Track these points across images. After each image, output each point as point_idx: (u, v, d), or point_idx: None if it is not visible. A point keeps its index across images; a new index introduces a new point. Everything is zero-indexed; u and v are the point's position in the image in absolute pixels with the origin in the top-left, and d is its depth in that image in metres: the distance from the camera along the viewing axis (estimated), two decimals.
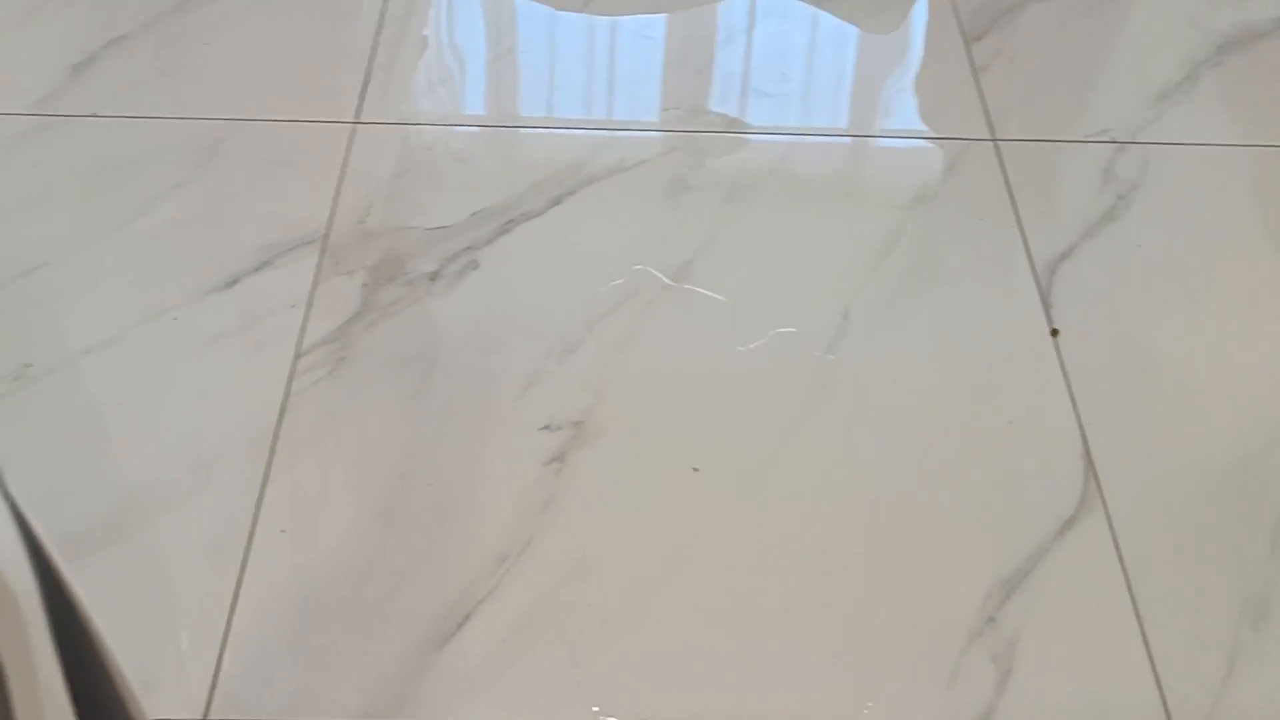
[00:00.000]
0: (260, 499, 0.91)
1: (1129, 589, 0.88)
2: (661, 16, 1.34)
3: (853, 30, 1.33)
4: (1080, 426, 0.98)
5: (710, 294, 1.06)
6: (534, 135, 1.20)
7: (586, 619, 0.85)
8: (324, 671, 0.82)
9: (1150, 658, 0.84)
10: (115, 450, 0.94)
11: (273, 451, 0.94)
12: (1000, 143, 1.20)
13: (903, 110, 1.24)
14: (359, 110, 1.21)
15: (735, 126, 1.21)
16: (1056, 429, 0.97)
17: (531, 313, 1.04)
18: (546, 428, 0.96)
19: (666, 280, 1.07)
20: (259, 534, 0.89)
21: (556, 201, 1.13)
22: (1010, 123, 1.22)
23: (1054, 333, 1.04)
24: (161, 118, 1.20)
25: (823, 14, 1.35)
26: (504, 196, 1.13)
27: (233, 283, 1.06)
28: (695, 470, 0.94)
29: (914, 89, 1.27)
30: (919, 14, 1.35)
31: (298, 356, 1.00)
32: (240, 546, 0.88)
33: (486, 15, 1.34)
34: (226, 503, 0.91)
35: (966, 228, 1.12)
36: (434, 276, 1.07)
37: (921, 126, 1.22)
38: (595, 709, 0.81)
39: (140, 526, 0.89)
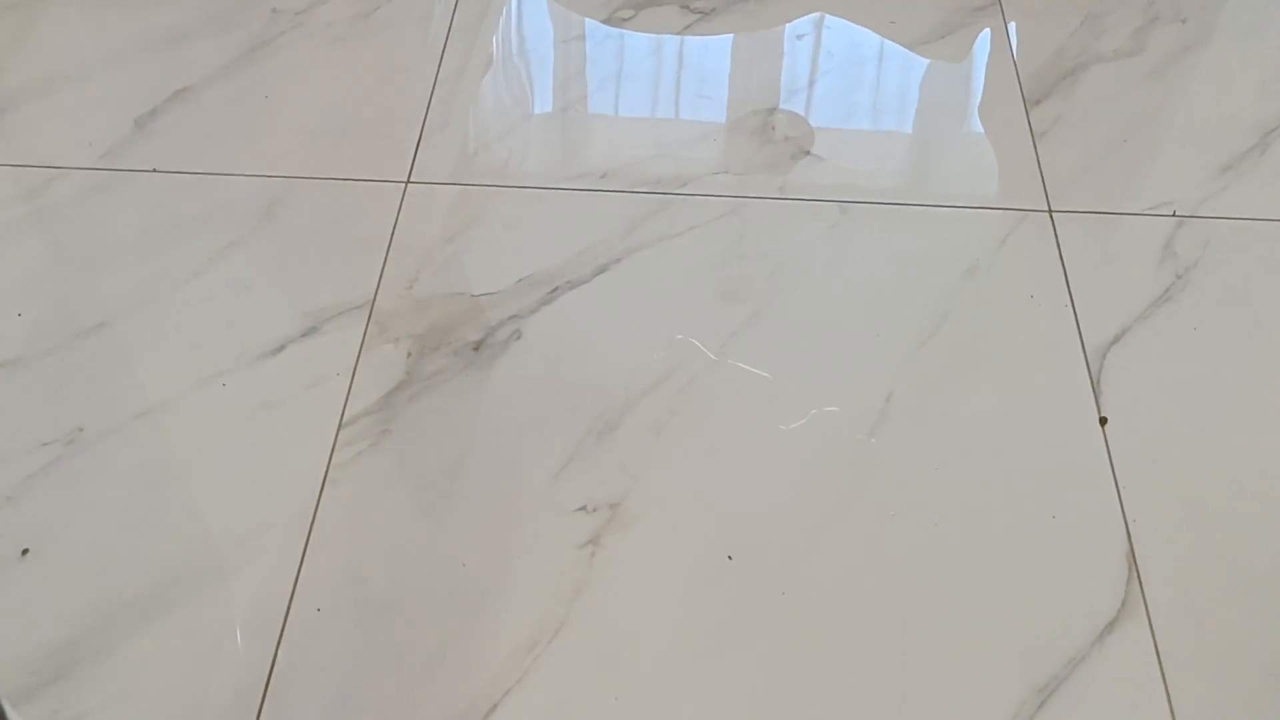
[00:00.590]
0: (298, 576, 0.92)
1: (1169, 702, 0.86)
2: (724, 76, 1.33)
3: (914, 93, 1.32)
4: (1125, 523, 0.96)
5: (754, 370, 1.06)
6: (584, 198, 1.20)
7: (614, 712, 0.86)
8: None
9: None
10: (160, 519, 0.96)
11: (312, 526, 0.95)
12: (1056, 214, 1.18)
13: (959, 177, 1.22)
14: (411, 170, 1.22)
15: (788, 191, 1.20)
16: (1100, 525, 0.96)
17: (572, 388, 1.04)
18: (582, 509, 0.97)
19: (710, 355, 1.07)
20: (294, 612, 0.91)
21: (602, 269, 1.13)
22: (1067, 193, 1.20)
23: (1103, 421, 1.02)
24: (220, 174, 1.22)
25: (884, 74, 1.33)
26: (551, 263, 1.14)
27: (280, 349, 1.07)
28: (729, 559, 0.94)
29: (971, 155, 1.25)
30: (979, 74, 1.33)
31: (340, 428, 1.01)
32: (276, 625, 0.90)
33: (540, 73, 1.34)
34: (265, 579, 0.92)
35: (1017, 306, 1.10)
36: (478, 346, 1.08)
37: (977, 195, 1.21)
38: None
39: (182, 599, 0.91)
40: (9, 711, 0.50)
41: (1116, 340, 1.08)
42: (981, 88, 1.32)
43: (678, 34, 1.37)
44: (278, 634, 0.89)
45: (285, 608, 0.91)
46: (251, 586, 0.92)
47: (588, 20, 1.39)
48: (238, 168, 1.22)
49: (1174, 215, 1.18)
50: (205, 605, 0.91)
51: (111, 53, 1.34)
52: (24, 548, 0.94)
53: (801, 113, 1.29)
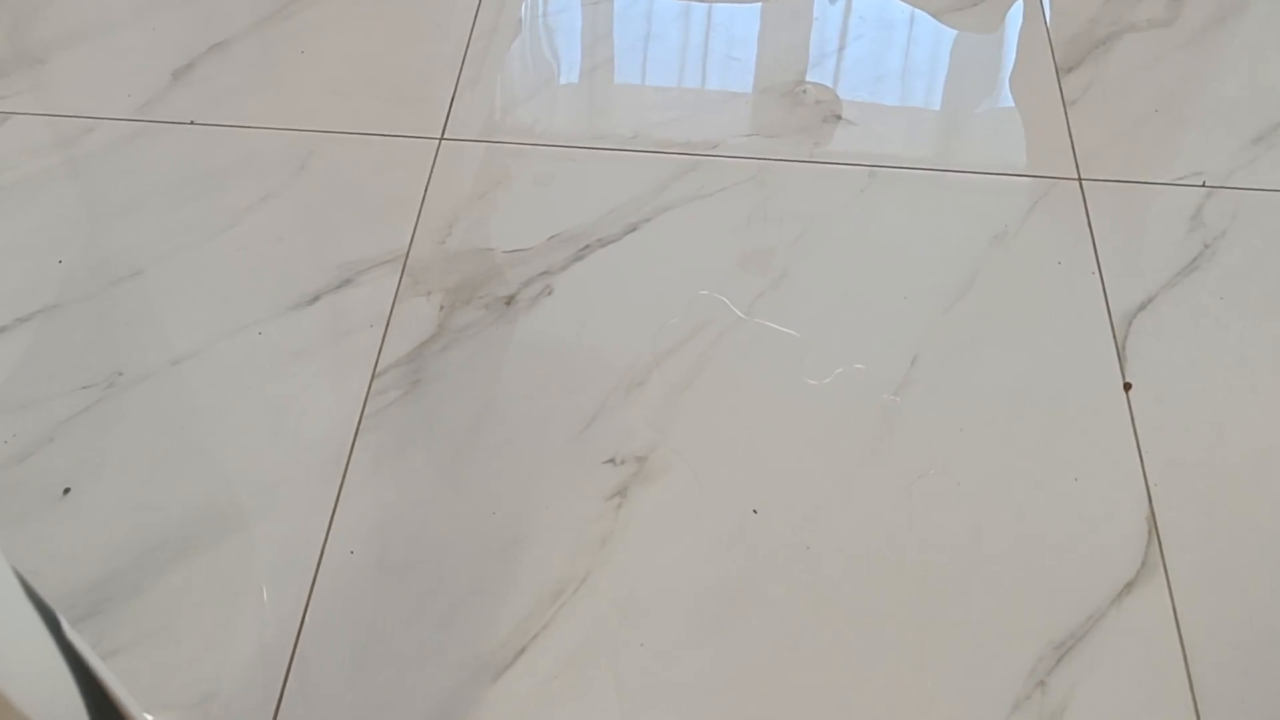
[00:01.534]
0: (331, 520, 0.94)
1: (1185, 663, 0.87)
2: (753, 39, 1.33)
3: (945, 60, 1.32)
4: (1147, 487, 0.97)
5: (781, 328, 1.07)
6: (614, 158, 1.21)
7: (638, 658, 0.87)
8: (381, 699, 0.85)
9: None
10: (196, 463, 0.98)
11: (345, 473, 0.97)
12: (1085, 182, 1.18)
13: (988, 144, 1.23)
14: (445, 126, 1.23)
15: (818, 155, 1.21)
16: (1122, 488, 0.97)
17: (601, 343, 1.06)
18: (610, 462, 0.98)
19: (738, 313, 1.08)
20: (328, 555, 0.92)
21: (633, 228, 1.14)
22: (1097, 161, 1.20)
23: (1127, 387, 1.03)
24: (256, 127, 1.23)
25: (915, 40, 1.33)
26: (582, 221, 1.15)
27: (315, 299, 1.09)
28: (754, 512, 0.95)
29: (1002, 122, 1.25)
30: (1011, 42, 1.33)
31: (374, 377, 1.03)
32: (310, 568, 0.92)
33: (573, 32, 1.35)
34: (299, 524, 0.94)
35: (1045, 271, 1.11)
36: (509, 301, 1.09)
37: (1006, 162, 1.21)
38: None
39: (217, 541, 0.93)
40: (67, 628, 0.52)
41: (1143, 308, 1.08)
42: (1014, 55, 1.32)
43: None
44: (311, 576, 0.91)
45: (319, 552, 0.93)
46: (286, 530, 0.94)
47: None
48: (273, 121, 1.23)
49: (1204, 185, 1.18)
50: (239, 547, 0.93)
51: (147, 4, 1.36)
52: (65, 487, 0.96)
53: (831, 78, 1.30)
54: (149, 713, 0.84)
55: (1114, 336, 1.06)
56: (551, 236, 1.14)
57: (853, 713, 0.85)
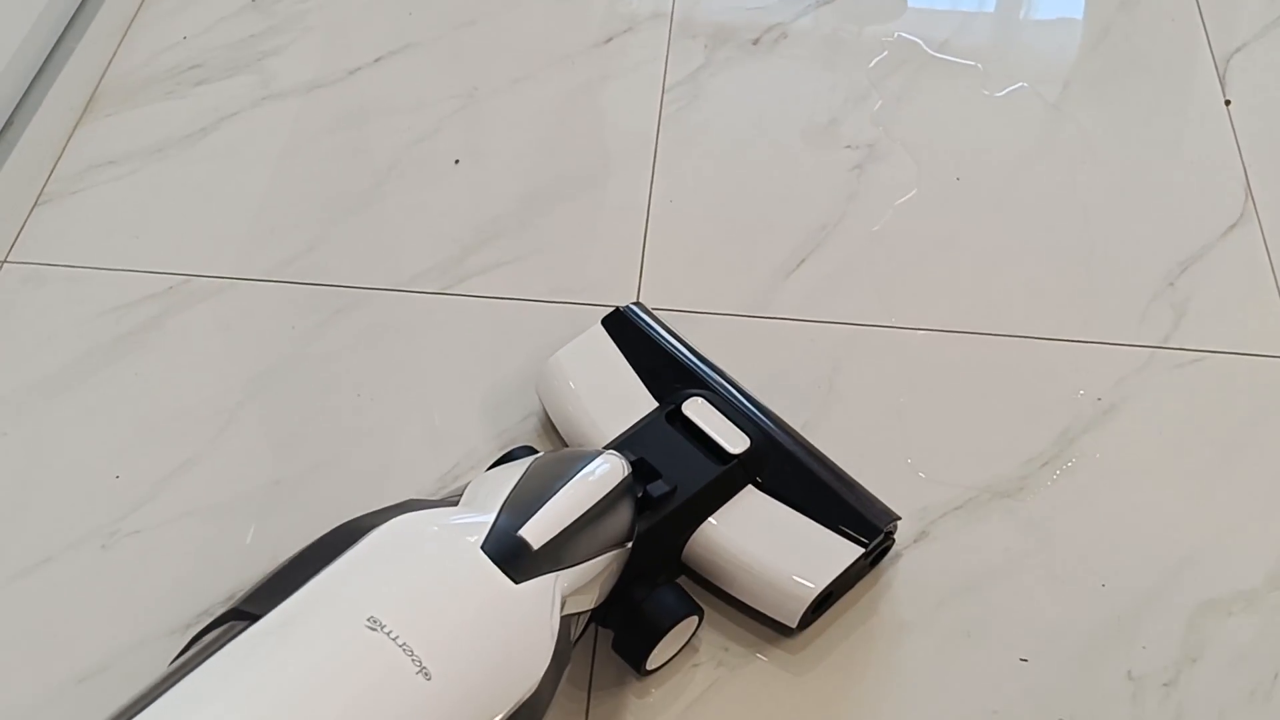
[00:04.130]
0: (651, 182, 1.30)
1: (1272, 268, 1.23)
2: None
3: None
4: (1244, 168, 1.32)
5: (964, 61, 1.42)
6: None
7: (884, 267, 1.24)
8: (715, 285, 1.22)
9: None
10: (550, 149, 1.33)
11: (655, 153, 1.33)
12: None
13: None
14: None
15: None
16: (1224, 168, 1.32)
17: (827, 73, 1.41)
18: (849, 147, 1.34)
19: (930, 51, 1.43)
20: (654, 202, 1.29)
21: None
22: None
23: (1227, 103, 1.38)
24: None
25: None
26: None
27: (609, 40, 1.44)
28: (958, 179, 1.31)
29: None
30: None
31: (664, 92, 1.39)
32: (643, 208, 1.28)
33: None
34: (631, 182, 1.30)
35: (1159, 27, 1.46)
36: (755, 42, 1.44)
37: None
38: (894, 320, 1.19)
39: (576, 193, 1.29)
40: None
41: (1239, 50, 1.43)
42: None
43: None
44: (645, 215, 1.27)
45: (648, 199, 1.29)
46: (623, 185, 1.30)
47: None
48: None
49: None
50: (593, 195, 1.29)
51: None
52: (456, 158, 1.32)
53: None
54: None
55: (1216, 69, 1.41)
56: None
57: (1034, 295, 1.21)
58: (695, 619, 0.92)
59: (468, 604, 0.69)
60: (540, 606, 0.71)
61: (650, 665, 0.91)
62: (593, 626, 0.92)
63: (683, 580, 0.97)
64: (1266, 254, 1.25)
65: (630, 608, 0.89)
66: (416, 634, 0.65)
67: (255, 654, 0.64)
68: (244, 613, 0.67)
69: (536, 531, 0.75)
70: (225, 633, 0.66)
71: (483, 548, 0.72)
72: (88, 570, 1.00)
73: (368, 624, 0.64)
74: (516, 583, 0.71)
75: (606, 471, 0.86)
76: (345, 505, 1.02)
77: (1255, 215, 1.28)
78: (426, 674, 0.63)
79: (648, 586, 0.90)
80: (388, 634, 0.64)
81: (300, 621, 0.65)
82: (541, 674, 0.68)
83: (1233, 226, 1.27)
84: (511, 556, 0.72)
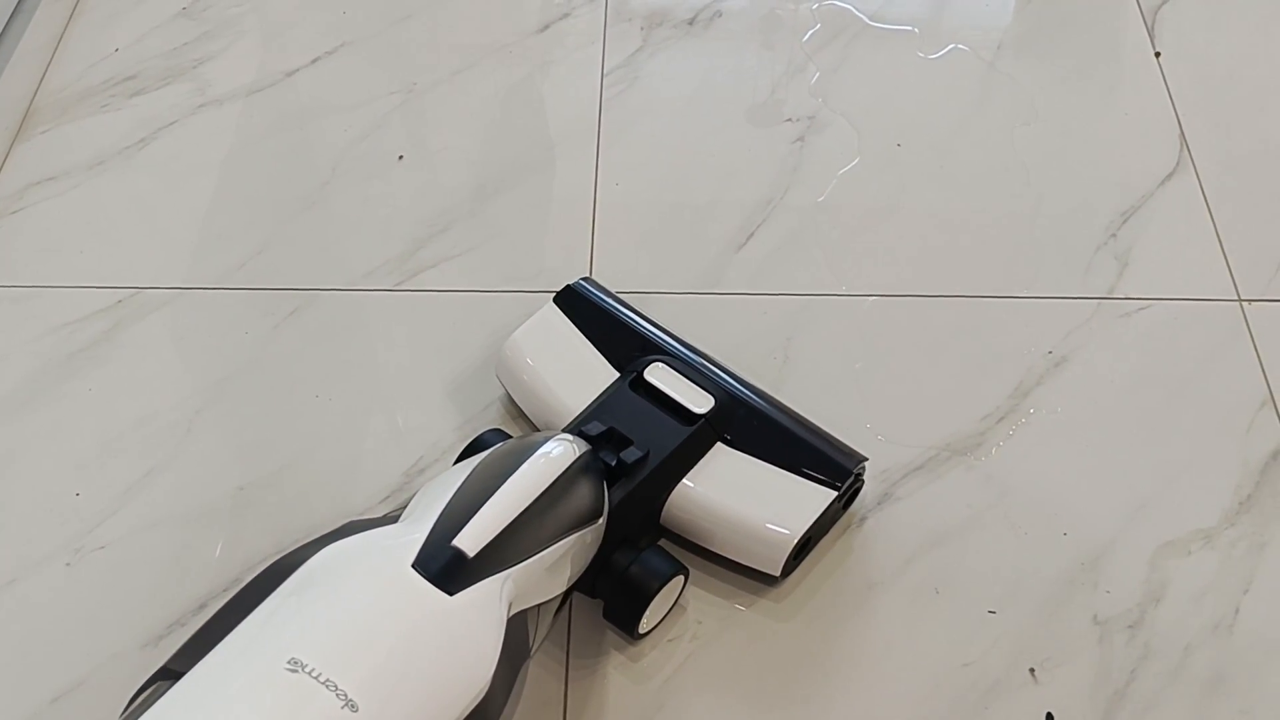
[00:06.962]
0: (596, 166, 1.31)
1: (1210, 213, 1.25)
2: None
3: None
4: (1176, 116, 1.34)
5: (900, 27, 1.44)
6: None
7: (830, 236, 1.25)
8: (666, 265, 1.22)
9: (1224, 254, 1.22)
10: (503, 127, 1.34)
11: (598, 137, 1.33)
12: None
13: None
14: None
15: None
16: (1158, 119, 1.34)
17: (764, 48, 1.42)
18: (789, 120, 1.35)
19: (865, 19, 1.44)
20: (600, 186, 1.29)
21: None
22: None
23: (1157, 54, 1.40)
24: None
25: None
26: None
27: (546, 28, 1.44)
28: (898, 145, 1.33)
29: None
30: None
31: (604, 75, 1.39)
32: (590, 192, 1.28)
33: None
34: (576, 167, 1.30)
35: None
36: (691, 22, 1.45)
37: None
38: (844, 289, 1.21)
39: (520, 181, 1.29)
40: None
41: (1165, 2, 1.45)
42: None
43: None
44: (593, 196, 1.28)
45: (594, 183, 1.29)
46: (569, 171, 1.30)
47: None
48: None
49: None
50: (539, 183, 1.29)
51: None
52: (399, 154, 1.32)
53: None
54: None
55: (1145, 23, 1.43)
56: None
57: (981, 254, 1.23)
58: (682, 578, 0.93)
59: (396, 627, 0.68)
60: (484, 612, 0.71)
61: (643, 628, 0.92)
62: (570, 601, 0.93)
63: (664, 543, 0.98)
64: (1204, 199, 1.27)
65: (617, 575, 0.90)
66: (340, 667, 0.64)
67: (174, 715, 0.63)
68: (170, 671, 0.66)
69: (472, 539, 0.74)
70: (152, 694, 0.66)
71: (414, 565, 0.71)
72: (54, 589, 0.99)
73: (288, 667, 0.64)
74: (451, 594, 0.70)
75: (556, 457, 0.86)
76: (313, 507, 1.02)
77: (1191, 162, 1.30)
78: (353, 706, 0.63)
79: (632, 552, 0.91)
80: (309, 673, 0.64)
81: (220, 674, 0.65)
82: (488, 679, 0.68)
83: (1170, 175, 1.30)
84: (445, 569, 0.71)
